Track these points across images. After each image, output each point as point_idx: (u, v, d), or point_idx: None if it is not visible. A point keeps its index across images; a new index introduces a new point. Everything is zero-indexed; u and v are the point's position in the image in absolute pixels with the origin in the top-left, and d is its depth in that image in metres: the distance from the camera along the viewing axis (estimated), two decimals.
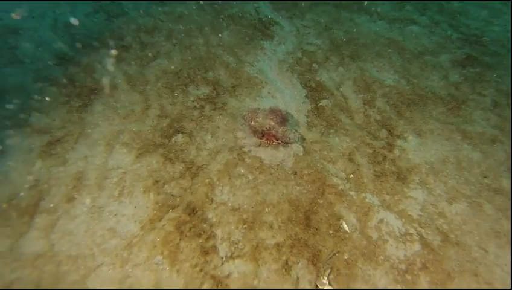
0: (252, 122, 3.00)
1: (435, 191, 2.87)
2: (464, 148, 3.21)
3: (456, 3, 5.46)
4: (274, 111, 3.07)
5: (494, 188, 2.89)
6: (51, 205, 2.43)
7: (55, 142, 2.88)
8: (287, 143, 3.03)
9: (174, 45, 4.12)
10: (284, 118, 3.08)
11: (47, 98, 3.18)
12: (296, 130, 3.13)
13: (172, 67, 3.80)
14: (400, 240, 2.51)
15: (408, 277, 2.33)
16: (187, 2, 4.86)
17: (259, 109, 3.10)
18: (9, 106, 3.00)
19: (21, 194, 2.45)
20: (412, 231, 2.56)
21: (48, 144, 2.84)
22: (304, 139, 3.22)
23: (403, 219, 2.65)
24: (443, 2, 5.53)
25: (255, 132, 3.04)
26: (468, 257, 2.44)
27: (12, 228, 2.26)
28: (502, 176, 2.99)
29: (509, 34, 4.77)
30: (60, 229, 2.31)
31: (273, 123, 2.98)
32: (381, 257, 2.43)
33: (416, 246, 2.45)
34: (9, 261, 2.12)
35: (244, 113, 3.08)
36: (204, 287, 2.18)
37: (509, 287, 2.36)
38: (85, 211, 2.45)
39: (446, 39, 4.67)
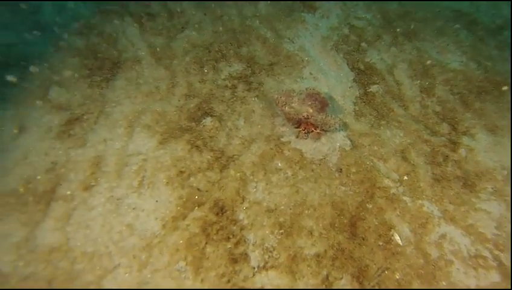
0: (287, 108, 2.55)
1: None
2: None
3: None
4: (312, 95, 2.61)
5: None
6: (68, 193, 2.18)
7: (74, 120, 2.61)
8: (327, 131, 2.58)
9: (205, 15, 3.67)
10: (323, 103, 2.62)
11: (68, 71, 2.90)
12: (337, 117, 2.67)
13: (202, 40, 3.38)
14: (470, 263, 2.06)
15: None
16: None
17: (294, 91, 2.64)
18: (30, 76, 2.76)
19: (38, 177, 2.22)
20: (486, 253, 2.09)
21: (67, 123, 2.58)
22: (347, 126, 2.76)
23: (472, 237, 2.19)
24: None
25: (289, 119, 2.59)
26: None
27: (29, 215, 2.04)
28: None
29: None
30: (76, 220, 2.07)
31: (311, 110, 2.53)
32: (444, 283, 2.01)
33: (494, 276, 2.00)
34: (24, 252, 1.91)
35: (276, 96, 2.61)
36: None
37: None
38: (102, 201, 2.19)
39: None
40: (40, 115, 2.61)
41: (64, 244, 1.97)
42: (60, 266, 1.88)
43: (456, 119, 2.94)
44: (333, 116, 2.52)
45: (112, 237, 2.03)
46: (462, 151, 2.68)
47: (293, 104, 2.51)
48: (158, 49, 3.25)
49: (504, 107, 2.93)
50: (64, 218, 2.08)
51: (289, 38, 3.46)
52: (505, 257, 2.07)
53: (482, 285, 1.96)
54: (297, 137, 2.57)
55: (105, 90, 2.90)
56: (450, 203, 2.38)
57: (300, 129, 2.58)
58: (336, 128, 2.58)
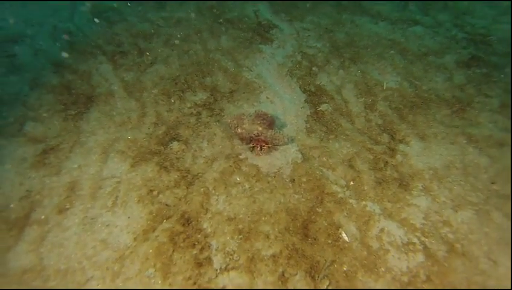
0: (239, 129, 2.90)
1: (439, 198, 2.75)
2: (470, 152, 3.09)
3: (460, 3, 5.31)
4: (260, 115, 2.99)
5: (503, 195, 2.76)
6: (42, 217, 2.39)
7: (49, 150, 2.85)
8: (276, 145, 2.94)
9: (172, 50, 4.09)
10: (271, 121, 3.00)
11: (43, 107, 3.17)
12: (284, 132, 3.05)
13: (170, 73, 3.76)
14: (402, 250, 2.40)
15: None
16: (186, 6, 4.83)
17: (244, 114, 3.01)
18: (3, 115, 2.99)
19: (11, 205, 2.42)
20: (415, 240, 2.44)
21: (42, 153, 2.81)
22: (299, 142, 3.13)
23: (405, 228, 2.54)
24: (448, 2, 5.40)
25: (242, 138, 2.94)
26: (476, 269, 2.32)
27: (0, 241, 2.22)
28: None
29: None
30: (50, 241, 2.27)
31: (260, 128, 2.90)
32: (383, 269, 2.32)
33: (420, 257, 2.33)
34: None
35: (229, 120, 2.98)
36: None
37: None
38: (77, 222, 2.41)
39: (450, 39, 4.54)
40: (14, 148, 2.83)
41: (38, 264, 2.15)
42: (33, 285, 2.05)
43: (394, 130, 3.39)
44: (281, 132, 2.90)
45: (85, 253, 2.23)
46: (398, 157, 3.10)
47: (244, 125, 2.87)
48: (129, 83, 3.59)
49: (430, 118, 3.42)
50: (38, 241, 2.27)
51: (248, 67, 3.91)
52: (428, 242, 2.43)
53: (411, 266, 2.29)
54: (251, 151, 2.90)
55: (80, 122, 3.17)
56: (389, 201, 2.74)
57: (253, 145, 2.92)
58: (285, 142, 2.94)
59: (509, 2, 5.26)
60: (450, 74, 4.00)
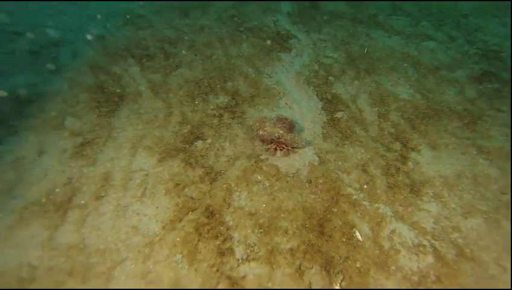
0: (260, 132, 3.10)
1: (450, 204, 2.89)
2: (480, 163, 3.22)
3: (473, 20, 5.49)
4: (281, 119, 3.19)
5: None
6: (82, 202, 2.61)
7: (86, 143, 3.09)
8: (294, 148, 3.13)
9: (196, 55, 4.34)
10: (291, 125, 3.19)
11: (80, 104, 3.43)
12: (303, 137, 3.24)
13: (194, 76, 4.00)
14: (413, 251, 2.54)
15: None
16: (208, 13, 5.11)
17: (265, 118, 3.21)
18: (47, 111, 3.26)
19: (57, 190, 2.66)
20: (425, 243, 2.58)
21: (79, 145, 3.05)
22: (316, 146, 3.31)
23: (416, 231, 2.69)
24: (460, 18, 5.58)
25: (263, 140, 3.14)
26: (485, 273, 2.44)
27: (50, 220, 2.45)
28: None
29: None
30: (90, 224, 2.48)
31: (281, 131, 3.09)
32: (394, 267, 2.46)
33: (430, 259, 2.47)
34: (48, 249, 2.30)
35: (252, 122, 3.18)
36: (219, 287, 2.28)
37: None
38: (111, 209, 2.62)
39: (463, 54, 4.70)
40: (56, 140, 3.08)
41: (81, 242, 2.36)
42: (78, 259, 2.26)
43: (406, 139, 3.54)
44: (299, 136, 3.09)
45: (119, 237, 2.43)
46: (410, 164, 3.26)
47: (266, 128, 3.07)
48: (156, 84, 3.84)
49: (442, 129, 3.57)
50: (79, 222, 2.49)
51: (267, 74, 4.13)
52: (438, 245, 2.56)
53: (421, 267, 2.43)
54: (266, 151, 3.10)
55: (112, 119, 3.41)
56: (400, 205, 2.89)
57: (271, 146, 3.11)
58: (303, 146, 3.12)
59: (509, 2, 5.43)
60: (462, 88, 4.15)
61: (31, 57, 4.08)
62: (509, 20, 5.45)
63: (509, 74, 4.28)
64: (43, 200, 2.59)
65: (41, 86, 3.68)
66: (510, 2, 5.44)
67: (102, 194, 2.69)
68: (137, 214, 2.61)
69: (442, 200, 2.91)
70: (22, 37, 4.45)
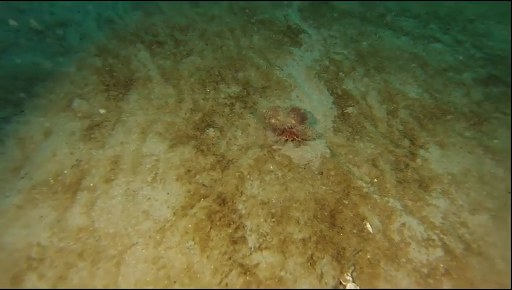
0: (273, 120, 3.09)
1: (457, 201, 2.92)
2: (486, 163, 3.27)
3: (479, 25, 5.56)
4: (294, 109, 3.18)
5: None
6: (91, 184, 2.55)
7: (94, 126, 3.02)
8: (304, 140, 3.12)
9: (207, 44, 4.29)
10: (303, 116, 3.18)
11: (88, 86, 3.35)
12: (314, 129, 3.23)
13: (205, 64, 3.96)
14: (423, 244, 2.56)
15: (430, 281, 2.38)
16: (219, 4, 5.06)
17: (279, 106, 3.20)
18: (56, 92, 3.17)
19: (65, 171, 2.58)
20: (434, 237, 2.61)
21: (88, 128, 2.98)
22: (327, 139, 3.31)
23: (425, 225, 2.71)
24: (466, 23, 5.65)
25: (275, 129, 3.13)
26: (493, 268, 2.48)
27: (59, 201, 2.39)
28: None
29: None
30: (99, 207, 2.43)
31: (293, 122, 3.08)
32: (403, 259, 2.48)
33: (439, 252, 2.50)
34: (57, 231, 2.24)
35: (264, 110, 3.17)
36: (232, 275, 2.26)
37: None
38: (121, 192, 2.57)
39: (469, 58, 4.76)
40: (64, 122, 3.01)
41: (90, 225, 2.31)
42: (88, 242, 2.21)
43: (415, 136, 3.57)
44: (311, 128, 3.09)
45: (130, 221, 2.39)
46: (418, 161, 3.28)
47: (278, 117, 3.05)
48: (166, 70, 3.78)
49: (449, 129, 3.62)
50: (88, 205, 2.43)
51: (279, 66, 4.11)
52: (447, 239, 2.60)
53: (431, 259, 2.45)
54: (276, 142, 3.08)
55: (121, 102, 3.35)
56: (409, 199, 2.91)
57: (282, 136, 3.09)
58: (313, 138, 3.12)
59: (509, 2, 5.53)
60: (468, 90, 4.20)
61: (36, 37, 3.96)
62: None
63: None
64: (52, 181, 2.52)
65: (49, 65, 3.58)
66: (510, 4, 5.54)
67: (112, 178, 2.64)
68: (148, 199, 2.57)
69: (450, 196, 2.94)
70: (27, 15, 4.32)
